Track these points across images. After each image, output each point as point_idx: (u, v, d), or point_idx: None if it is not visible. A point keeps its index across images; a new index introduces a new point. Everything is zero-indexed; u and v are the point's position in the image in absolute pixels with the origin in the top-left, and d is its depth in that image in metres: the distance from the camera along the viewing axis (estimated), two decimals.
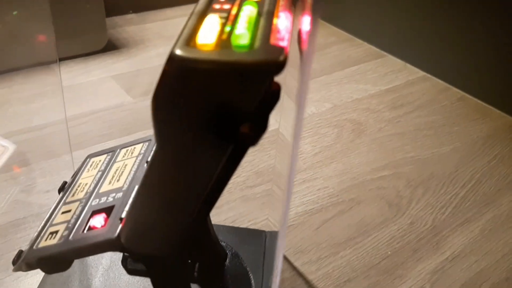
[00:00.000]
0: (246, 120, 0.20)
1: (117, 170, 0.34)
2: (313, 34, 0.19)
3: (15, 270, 0.31)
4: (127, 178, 0.32)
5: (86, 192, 0.33)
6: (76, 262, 0.37)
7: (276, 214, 0.49)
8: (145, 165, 0.33)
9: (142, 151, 0.35)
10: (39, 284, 0.38)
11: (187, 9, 1.01)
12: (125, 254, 0.33)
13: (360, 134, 0.67)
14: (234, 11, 0.21)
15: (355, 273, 0.46)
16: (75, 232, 0.30)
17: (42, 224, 0.33)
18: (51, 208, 0.35)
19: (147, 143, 0.36)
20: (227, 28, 0.20)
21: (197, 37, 0.19)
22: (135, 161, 0.34)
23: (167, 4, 1.04)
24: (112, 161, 0.36)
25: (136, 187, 0.30)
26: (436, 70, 0.83)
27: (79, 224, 0.30)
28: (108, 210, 0.30)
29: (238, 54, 0.18)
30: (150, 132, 0.37)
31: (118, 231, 0.28)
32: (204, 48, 0.19)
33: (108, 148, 0.39)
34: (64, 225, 0.31)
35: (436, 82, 0.82)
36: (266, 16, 0.20)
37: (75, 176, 0.37)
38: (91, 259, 0.40)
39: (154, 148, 0.24)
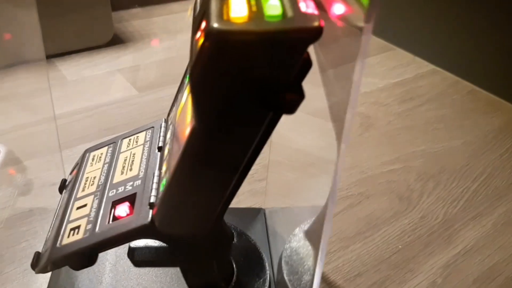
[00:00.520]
0: (285, 88, 0.21)
1: (125, 160, 0.34)
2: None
3: (39, 272, 0.30)
4: (140, 166, 0.32)
5: (98, 185, 0.33)
6: None
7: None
8: (156, 151, 0.33)
9: (148, 138, 0.35)
10: (48, 284, 0.38)
11: (193, 3, 1.00)
12: (131, 246, 0.33)
13: (369, 128, 0.66)
14: None
15: (365, 267, 0.45)
16: (100, 224, 0.29)
17: (55, 224, 0.32)
18: (58, 207, 0.35)
19: (150, 131, 0.35)
20: (254, 0, 0.20)
21: (230, 11, 0.19)
22: (143, 149, 0.34)
23: None
24: (117, 152, 0.35)
25: (156, 172, 0.30)
26: (446, 63, 0.82)
27: (102, 216, 0.29)
28: (130, 199, 0.30)
29: (275, 24, 0.19)
30: None
31: (150, 216, 0.28)
32: (239, 20, 0.19)
33: (106, 140, 0.38)
34: (84, 220, 0.30)
35: (445, 75, 0.81)
36: None
37: (77, 172, 0.36)
38: None
39: (189, 129, 0.23)
